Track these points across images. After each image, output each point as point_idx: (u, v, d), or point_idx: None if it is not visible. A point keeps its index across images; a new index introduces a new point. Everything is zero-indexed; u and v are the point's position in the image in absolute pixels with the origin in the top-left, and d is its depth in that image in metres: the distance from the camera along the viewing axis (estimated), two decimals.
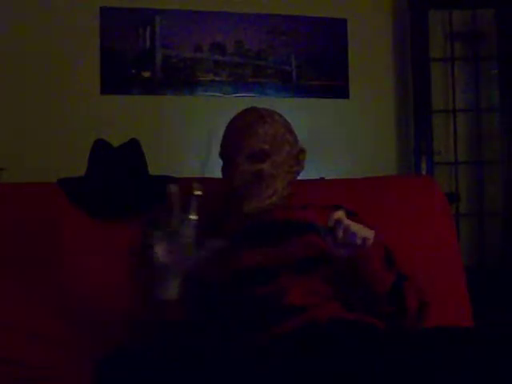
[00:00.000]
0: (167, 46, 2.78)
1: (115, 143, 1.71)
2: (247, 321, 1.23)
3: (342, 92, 2.96)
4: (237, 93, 2.84)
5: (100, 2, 2.70)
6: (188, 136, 2.78)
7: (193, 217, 1.06)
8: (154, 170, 1.74)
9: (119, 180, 1.64)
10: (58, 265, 1.54)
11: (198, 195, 1.08)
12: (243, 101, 2.72)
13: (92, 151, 1.69)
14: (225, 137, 1.43)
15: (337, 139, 2.94)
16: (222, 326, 1.27)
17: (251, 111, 1.44)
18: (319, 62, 2.93)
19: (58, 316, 1.49)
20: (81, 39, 2.69)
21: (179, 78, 2.79)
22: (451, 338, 1.02)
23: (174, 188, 1.08)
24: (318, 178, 2.35)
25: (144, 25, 2.75)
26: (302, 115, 2.87)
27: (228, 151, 1.41)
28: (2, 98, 2.59)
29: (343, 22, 2.96)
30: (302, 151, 1.46)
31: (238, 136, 1.39)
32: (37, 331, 1.48)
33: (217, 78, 2.83)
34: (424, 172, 2.83)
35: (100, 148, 1.70)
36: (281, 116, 1.47)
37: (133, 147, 1.72)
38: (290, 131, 1.46)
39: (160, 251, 1.05)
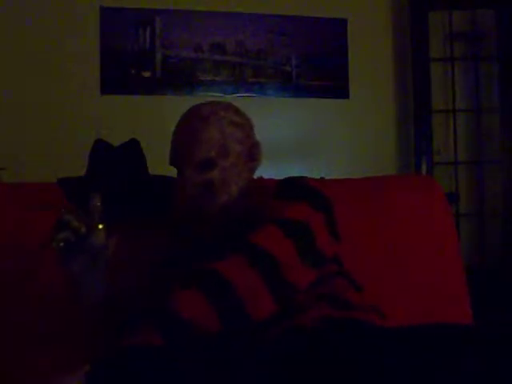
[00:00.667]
0: (167, 46, 2.78)
1: (115, 143, 1.71)
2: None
3: (342, 92, 2.96)
4: (237, 93, 2.84)
5: (100, 2, 2.70)
6: None
7: (98, 225, 1.12)
8: (154, 169, 1.74)
9: (119, 180, 1.64)
10: (57, 264, 1.53)
11: (97, 205, 1.13)
12: (243, 101, 2.72)
13: (92, 151, 1.69)
14: (171, 145, 1.36)
15: (337, 139, 2.94)
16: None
17: (194, 113, 1.36)
18: (319, 62, 2.93)
19: (58, 316, 1.49)
20: (81, 39, 2.69)
21: (179, 78, 2.79)
22: (451, 338, 1.02)
23: (96, 199, 1.14)
24: (317, 177, 2.35)
25: (144, 25, 2.75)
26: (302, 115, 2.88)
27: (175, 162, 1.35)
28: (2, 98, 2.59)
29: (343, 21, 2.97)
30: (256, 145, 1.35)
31: (182, 146, 1.32)
32: (37, 331, 1.48)
33: (217, 78, 2.83)
34: (424, 172, 2.83)
35: (100, 148, 1.69)
36: (228, 109, 1.35)
37: (133, 147, 1.72)
38: (240, 126, 1.34)
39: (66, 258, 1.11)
